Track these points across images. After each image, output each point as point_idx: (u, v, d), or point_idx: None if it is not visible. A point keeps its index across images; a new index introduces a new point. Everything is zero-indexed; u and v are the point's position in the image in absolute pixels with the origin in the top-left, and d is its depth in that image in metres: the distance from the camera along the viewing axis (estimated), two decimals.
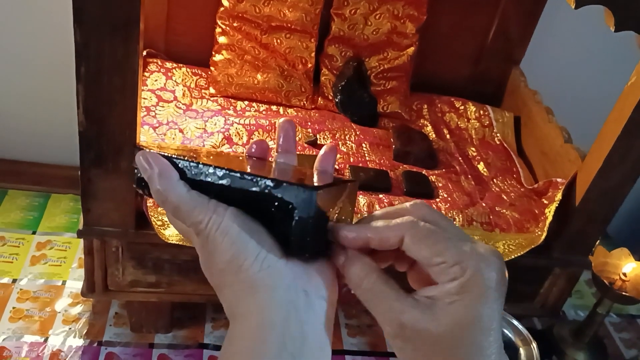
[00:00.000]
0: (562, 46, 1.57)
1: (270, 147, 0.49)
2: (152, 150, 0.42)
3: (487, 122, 1.47)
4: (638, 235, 1.83)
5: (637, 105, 1.00)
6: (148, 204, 1.00)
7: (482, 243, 0.39)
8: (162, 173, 0.40)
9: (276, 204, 0.40)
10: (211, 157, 0.48)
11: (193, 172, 0.42)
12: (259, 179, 0.41)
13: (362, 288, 0.40)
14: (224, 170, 0.41)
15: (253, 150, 0.48)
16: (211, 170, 0.42)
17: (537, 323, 1.47)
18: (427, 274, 0.40)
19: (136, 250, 1.05)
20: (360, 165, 1.24)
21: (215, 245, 0.39)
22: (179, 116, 1.27)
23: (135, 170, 0.44)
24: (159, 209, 1.02)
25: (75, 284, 1.25)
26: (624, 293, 1.29)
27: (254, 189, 0.40)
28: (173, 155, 0.42)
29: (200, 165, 0.42)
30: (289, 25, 1.34)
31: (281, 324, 0.39)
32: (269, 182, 0.40)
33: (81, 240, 1.02)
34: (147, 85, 1.29)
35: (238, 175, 0.41)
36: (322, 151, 0.48)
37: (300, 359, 0.39)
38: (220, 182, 0.41)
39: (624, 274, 1.33)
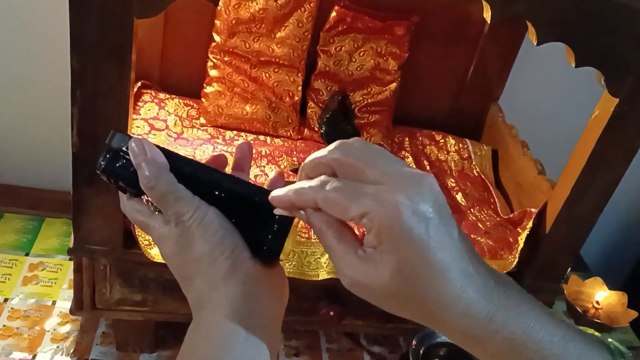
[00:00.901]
0: (538, 83, 1.65)
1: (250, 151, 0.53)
2: (146, 139, 0.45)
3: (466, 155, 1.53)
4: (614, 264, 1.88)
5: (600, 138, 1.07)
6: (140, 182, 1.04)
7: (392, 180, 0.36)
8: (155, 160, 0.43)
9: (260, 210, 0.44)
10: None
11: (182, 167, 0.45)
12: (249, 184, 0.45)
13: (322, 243, 0.40)
14: (216, 172, 0.46)
15: (237, 156, 0.52)
16: (201, 167, 0.46)
17: None
18: None
19: (123, 268, 1.09)
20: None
21: (195, 237, 0.43)
22: (170, 144, 1.33)
23: (106, 156, 0.47)
24: None
25: (65, 304, 1.29)
26: (596, 320, 1.33)
27: (242, 192, 0.45)
28: (165, 149, 0.46)
29: (193, 161, 0.46)
30: (277, 60, 1.41)
31: (247, 315, 0.44)
32: (255, 190, 0.45)
33: (72, 263, 1.07)
34: (140, 114, 1.36)
35: (228, 177, 0.46)
36: (270, 176, 0.52)
37: (261, 347, 0.44)
38: (208, 180, 0.45)
39: (597, 302, 1.37)
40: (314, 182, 0.39)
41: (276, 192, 0.41)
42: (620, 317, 1.33)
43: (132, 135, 0.48)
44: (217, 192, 0.45)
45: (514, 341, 0.38)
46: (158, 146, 0.46)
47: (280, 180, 0.52)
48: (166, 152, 0.46)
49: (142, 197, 0.49)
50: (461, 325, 0.38)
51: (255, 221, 0.45)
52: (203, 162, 0.50)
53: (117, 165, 0.47)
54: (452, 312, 0.37)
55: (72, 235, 1.04)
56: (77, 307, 1.13)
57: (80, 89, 0.89)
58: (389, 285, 0.37)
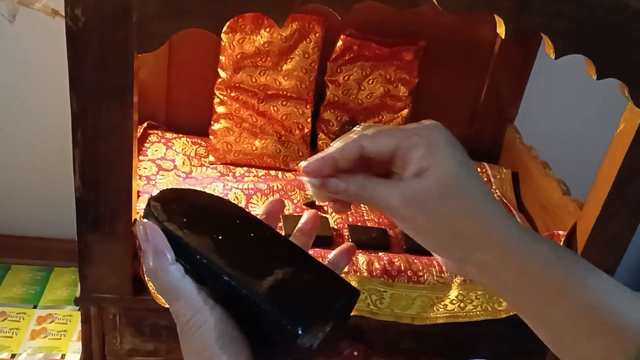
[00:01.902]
0: (554, 101, 1.60)
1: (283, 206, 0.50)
2: (151, 223, 0.39)
3: (486, 179, 1.48)
4: None
5: (628, 151, 1.01)
6: (144, 268, 1.00)
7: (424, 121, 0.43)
8: (157, 252, 0.38)
9: (275, 327, 0.37)
10: (227, 219, 0.45)
11: (195, 258, 0.39)
12: (264, 296, 0.37)
13: (361, 196, 0.42)
14: (226, 275, 0.38)
15: (268, 207, 0.48)
16: (213, 268, 0.39)
17: None
18: None
19: (134, 316, 1.04)
20: (359, 224, 1.24)
21: (190, 343, 0.38)
22: (179, 184, 1.29)
23: (145, 211, 0.42)
24: None
25: (75, 357, 1.24)
26: None
27: (255, 301, 0.38)
28: (176, 233, 0.39)
29: (204, 261, 0.39)
30: (285, 93, 1.38)
31: None
32: (272, 308, 0.37)
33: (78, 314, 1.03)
34: (147, 155, 1.32)
35: (243, 288, 0.38)
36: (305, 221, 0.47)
37: None
38: (220, 278, 0.39)
39: None
40: (349, 136, 0.42)
41: (306, 161, 0.42)
42: None
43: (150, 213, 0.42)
44: (224, 283, 0.39)
45: (544, 267, 0.40)
46: (166, 230, 0.40)
47: (278, 206, 0.48)
48: (177, 237, 0.40)
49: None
50: (499, 235, 0.40)
51: (261, 329, 0.38)
52: (261, 211, 0.46)
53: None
54: (493, 220, 0.40)
55: (79, 284, 0.99)
56: (87, 359, 1.07)
57: (81, 130, 0.86)
58: (438, 195, 0.39)
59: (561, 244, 1.15)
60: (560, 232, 1.22)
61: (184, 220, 0.41)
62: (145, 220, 0.40)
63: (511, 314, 1.10)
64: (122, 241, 0.95)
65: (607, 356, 0.39)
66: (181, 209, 0.43)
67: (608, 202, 1.06)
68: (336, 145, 0.42)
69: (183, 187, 1.27)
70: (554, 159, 1.41)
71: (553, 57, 0.91)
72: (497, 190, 1.46)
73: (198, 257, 0.39)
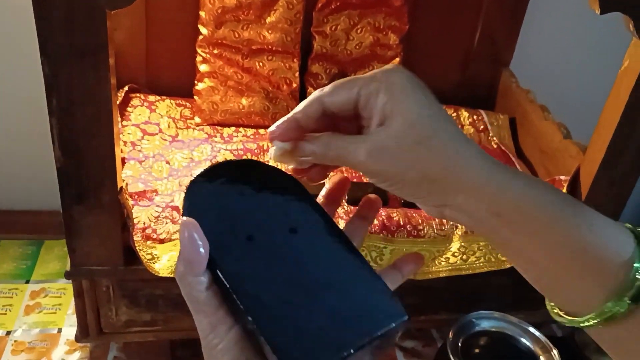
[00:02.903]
0: (550, 41, 1.54)
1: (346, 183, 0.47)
2: (192, 224, 0.35)
3: (482, 127, 1.43)
4: None
5: (634, 89, 0.97)
6: (135, 238, 0.96)
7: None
8: (188, 261, 0.35)
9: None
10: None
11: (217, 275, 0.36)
12: (282, 343, 0.33)
13: (329, 156, 0.40)
14: (244, 309, 0.34)
15: (331, 188, 0.46)
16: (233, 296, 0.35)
17: (557, 330, 1.41)
18: None
19: (127, 287, 1.00)
20: (354, 180, 1.20)
21: (214, 358, 0.36)
22: (165, 148, 1.23)
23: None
24: (147, 241, 0.98)
25: (72, 330, 1.20)
26: None
27: (272, 346, 0.33)
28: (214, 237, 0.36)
29: (225, 284, 0.35)
30: (270, 47, 1.31)
31: None
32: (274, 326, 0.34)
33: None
34: (131, 120, 1.27)
35: (260, 328, 0.34)
36: (329, 184, 0.46)
37: None
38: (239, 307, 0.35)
39: None
40: (308, 98, 0.41)
41: (273, 126, 0.42)
42: None
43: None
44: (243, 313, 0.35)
45: (520, 203, 0.38)
46: (207, 225, 0.36)
47: (341, 189, 0.46)
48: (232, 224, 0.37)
49: None
50: (469, 174, 0.38)
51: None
52: (325, 190, 0.44)
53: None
54: (461, 157, 0.38)
55: (68, 258, 0.96)
56: (83, 333, 1.04)
57: (55, 96, 0.80)
58: (403, 142, 0.38)
59: (564, 188, 1.12)
60: (562, 177, 1.19)
61: (221, 215, 0.38)
62: (186, 218, 0.36)
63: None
64: (109, 212, 0.91)
65: (599, 293, 0.36)
66: (222, 197, 0.39)
67: (613, 144, 1.02)
68: (299, 107, 0.41)
69: (169, 150, 1.22)
70: (553, 102, 1.36)
71: None
72: (494, 138, 1.42)
73: (218, 272, 0.35)
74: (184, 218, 0.36)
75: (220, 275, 0.35)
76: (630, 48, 0.97)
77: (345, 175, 0.45)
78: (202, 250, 0.35)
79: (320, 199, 0.45)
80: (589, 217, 0.37)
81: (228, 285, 0.35)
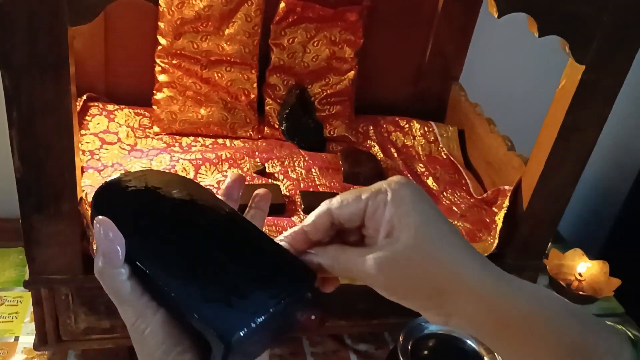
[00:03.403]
0: (497, 58, 1.62)
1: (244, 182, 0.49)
2: (107, 221, 0.39)
3: (433, 138, 1.50)
4: (589, 234, 1.87)
5: (570, 107, 1.04)
6: (95, 247, 0.97)
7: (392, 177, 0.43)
8: (105, 254, 0.38)
9: (211, 337, 0.36)
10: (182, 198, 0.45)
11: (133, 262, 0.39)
12: (198, 304, 0.37)
13: (337, 268, 0.41)
14: (161, 281, 0.38)
15: (228, 184, 0.48)
16: (149, 274, 0.38)
17: None
18: None
19: (87, 295, 1.02)
20: (311, 190, 1.24)
21: (142, 344, 0.38)
22: (124, 157, 1.25)
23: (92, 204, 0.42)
24: None
25: (29, 338, 1.20)
26: (581, 293, 1.32)
27: (190, 309, 0.37)
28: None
29: (140, 266, 0.39)
30: (229, 58, 1.35)
31: None
32: (199, 317, 0.37)
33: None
34: (89, 129, 1.28)
35: (176, 295, 0.37)
36: (227, 180, 0.48)
37: None
38: (157, 284, 0.38)
39: (580, 274, 1.35)
40: (321, 206, 0.42)
41: (284, 235, 0.42)
42: (604, 287, 1.32)
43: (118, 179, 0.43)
44: (161, 289, 0.38)
45: (528, 314, 0.38)
46: (122, 221, 0.39)
47: (237, 185, 0.48)
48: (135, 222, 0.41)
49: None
50: (479, 286, 0.39)
51: (200, 337, 0.37)
52: (222, 190, 0.46)
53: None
54: (470, 270, 0.39)
55: (27, 267, 0.96)
56: (41, 341, 1.05)
57: (16, 109, 0.81)
58: (415, 252, 0.38)
59: (507, 198, 1.19)
60: (506, 187, 1.26)
61: (130, 214, 0.41)
62: (100, 217, 0.39)
63: None
64: (68, 221, 0.92)
65: None
66: (129, 198, 0.43)
67: (551, 157, 1.09)
68: (307, 219, 0.42)
69: (128, 159, 1.23)
70: (499, 115, 1.43)
71: (496, 17, 0.91)
72: (444, 148, 1.48)
73: (136, 262, 0.39)
74: (99, 217, 0.39)
75: (139, 264, 0.39)
76: (566, 69, 1.04)
77: (240, 173, 0.48)
78: (117, 244, 0.38)
79: (219, 195, 0.48)
80: (593, 325, 0.39)
81: (147, 271, 0.38)
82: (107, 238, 0.38)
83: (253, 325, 0.36)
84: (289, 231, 0.43)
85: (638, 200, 1.86)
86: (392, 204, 0.39)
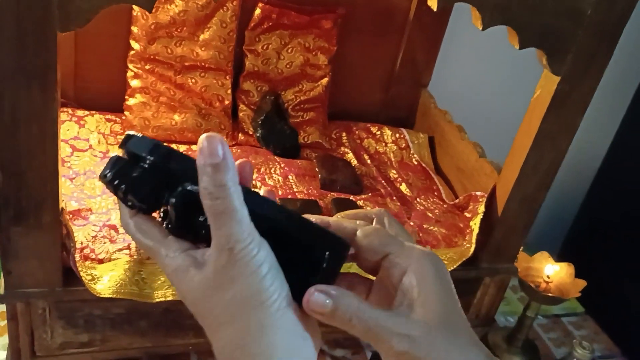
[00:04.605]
0: (467, 65, 1.66)
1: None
2: (224, 141, 0.38)
3: (404, 145, 1.52)
4: (549, 236, 1.94)
5: (544, 117, 1.07)
6: (76, 258, 0.94)
7: (421, 246, 0.44)
8: (228, 168, 0.36)
9: (311, 249, 0.41)
10: None
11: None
12: (306, 221, 0.42)
13: (359, 318, 0.40)
14: (276, 207, 0.41)
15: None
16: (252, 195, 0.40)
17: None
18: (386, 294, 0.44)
19: (65, 309, 0.98)
20: (290, 197, 1.24)
21: (245, 273, 0.37)
22: (97, 164, 1.22)
23: (117, 162, 0.40)
24: (86, 262, 0.97)
25: (1, 354, 1.15)
26: (549, 294, 1.36)
27: (295, 228, 0.41)
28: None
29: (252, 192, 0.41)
30: (203, 64, 1.33)
31: None
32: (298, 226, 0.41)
33: (4, 306, 0.96)
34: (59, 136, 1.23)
35: (288, 214, 0.41)
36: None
37: None
38: (267, 212, 0.40)
39: (548, 277, 1.40)
40: (357, 222, 0.45)
41: (317, 298, 0.41)
42: (571, 288, 1.36)
43: (153, 139, 0.41)
44: (267, 226, 0.40)
45: None
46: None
47: (248, 170, 0.47)
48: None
49: (154, 213, 0.42)
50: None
51: (300, 262, 0.41)
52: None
53: (133, 175, 0.40)
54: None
55: (2, 281, 0.93)
56: (14, 357, 1.01)
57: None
58: (434, 335, 0.41)
59: (482, 205, 1.22)
60: (478, 193, 1.29)
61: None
62: (213, 133, 0.38)
63: None
64: (49, 232, 0.89)
65: None
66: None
67: (525, 165, 1.12)
68: (336, 220, 0.45)
69: (101, 167, 1.20)
70: (468, 122, 1.47)
71: (480, 29, 0.94)
72: (415, 155, 1.50)
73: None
74: (213, 134, 0.38)
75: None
76: (541, 79, 1.08)
77: (249, 161, 0.46)
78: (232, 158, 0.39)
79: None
80: None
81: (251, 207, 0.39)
82: (227, 151, 0.37)
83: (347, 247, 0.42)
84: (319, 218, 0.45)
85: (595, 202, 1.94)
86: (415, 275, 0.42)
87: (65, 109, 1.29)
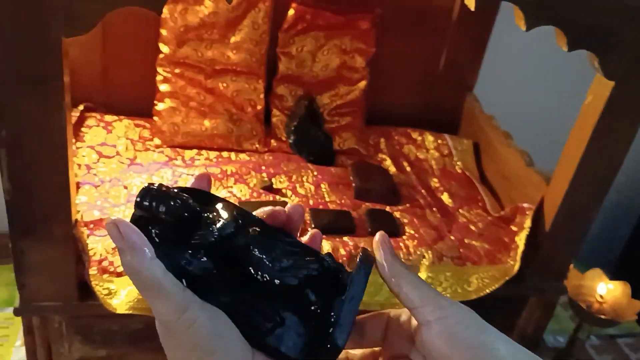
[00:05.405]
0: (514, 68, 1.56)
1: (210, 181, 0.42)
2: (122, 220, 0.36)
3: (447, 151, 1.43)
4: (605, 253, 1.81)
5: (597, 125, 0.98)
6: (91, 272, 0.91)
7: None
8: (134, 248, 0.36)
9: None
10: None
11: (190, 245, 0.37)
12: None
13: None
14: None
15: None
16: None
17: None
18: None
19: (81, 324, 0.95)
20: (321, 207, 1.17)
21: (181, 343, 0.36)
22: (123, 172, 1.19)
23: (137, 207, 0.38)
24: (104, 275, 0.94)
25: None
26: (602, 316, 1.25)
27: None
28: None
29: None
30: (234, 67, 1.28)
31: None
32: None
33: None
34: (85, 142, 1.21)
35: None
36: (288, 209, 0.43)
37: None
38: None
39: (601, 296, 1.29)
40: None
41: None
42: (627, 310, 1.25)
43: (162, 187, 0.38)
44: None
45: None
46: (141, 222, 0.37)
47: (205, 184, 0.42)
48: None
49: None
50: None
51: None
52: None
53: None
54: None
55: (18, 294, 0.90)
56: None
57: (5, 127, 0.75)
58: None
59: (529, 218, 1.12)
60: (525, 205, 1.19)
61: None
62: (113, 217, 0.37)
63: (481, 294, 1.07)
64: (62, 245, 0.86)
65: None
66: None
67: (577, 176, 1.03)
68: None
69: (127, 174, 1.17)
70: (515, 129, 1.37)
71: (524, 29, 0.85)
72: (458, 162, 1.42)
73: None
74: (112, 219, 0.36)
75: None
76: (593, 84, 0.98)
77: (207, 173, 0.42)
78: (140, 234, 0.36)
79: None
80: None
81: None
82: (128, 233, 0.35)
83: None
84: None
85: None
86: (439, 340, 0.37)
87: (93, 114, 1.27)
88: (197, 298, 0.36)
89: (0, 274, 1.33)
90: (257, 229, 0.39)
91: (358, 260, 0.39)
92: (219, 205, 0.39)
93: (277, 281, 0.37)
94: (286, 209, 0.42)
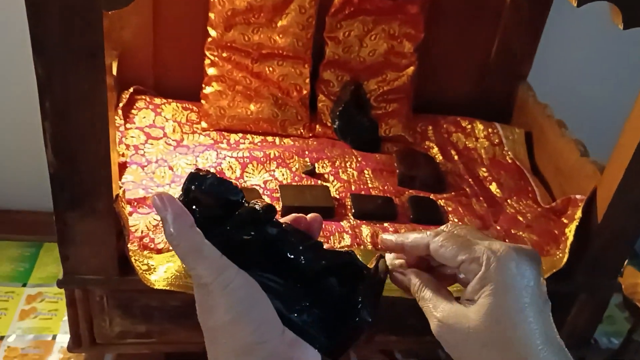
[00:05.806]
0: (570, 55, 1.49)
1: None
2: (167, 193, 0.39)
3: (497, 140, 1.39)
4: None
5: None
6: (131, 248, 0.92)
7: (499, 241, 0.41)
8: (177, 215, 0.38)
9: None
10: None
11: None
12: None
13: (418, 297, 0.43)
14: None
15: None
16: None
17: None
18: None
19: (122, 298, 0.97)
20: (363, 193, 1.16)
21: (218, 304, 0.38)
22: (169, 153, 1.20)
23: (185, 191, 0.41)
24: (144, 251, 0.95)
25: (67, 338, 1.17)
26: None
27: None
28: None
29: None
30: (281, 52, 1.28)
31: None
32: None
33: None
34: (135, 123, 1.24)
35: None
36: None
37: None
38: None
39: None
40: (427, 232, 0.44)
41: (387, 236, 0.46)
42: None
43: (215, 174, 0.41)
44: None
45: None
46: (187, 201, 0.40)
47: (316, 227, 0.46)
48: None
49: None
50: None
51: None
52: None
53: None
54: (533, 349, 0.38)
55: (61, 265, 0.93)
56: (75, 343, 1.01)
57: (49, 99, 0.77)
58: (479, 325, 0.39)
59: (579, 209, 1.07)
60: (578, 197, 1.14)
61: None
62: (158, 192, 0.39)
63: None
64: (104, 219, 0.88)
65: None
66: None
67: (632, 166, 0.97)
68: (411, 236, 0.45)
69: (173, 155, 1.18)
70: (571, 117, 1.31)
71: (575, 5, 0.81)
72: (509, 152, 1.37)
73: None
74: (153, 194, 0.39)
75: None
76: None
77: (317, 215, 0.45)
78: (181, 205, 0.38)
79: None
80: None
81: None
82: (171, 203, 0.38)
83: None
84: (394, 235, 0.46)
85: None
86: (490, 286, 0.39)
87: (142, 97, 1.29)
88: (234, 265, 0.38)
89: (54, 251, 1.37)
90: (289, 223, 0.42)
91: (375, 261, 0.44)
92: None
93: (310, 265, 0.40)
94: (308, 217, 0.45)
